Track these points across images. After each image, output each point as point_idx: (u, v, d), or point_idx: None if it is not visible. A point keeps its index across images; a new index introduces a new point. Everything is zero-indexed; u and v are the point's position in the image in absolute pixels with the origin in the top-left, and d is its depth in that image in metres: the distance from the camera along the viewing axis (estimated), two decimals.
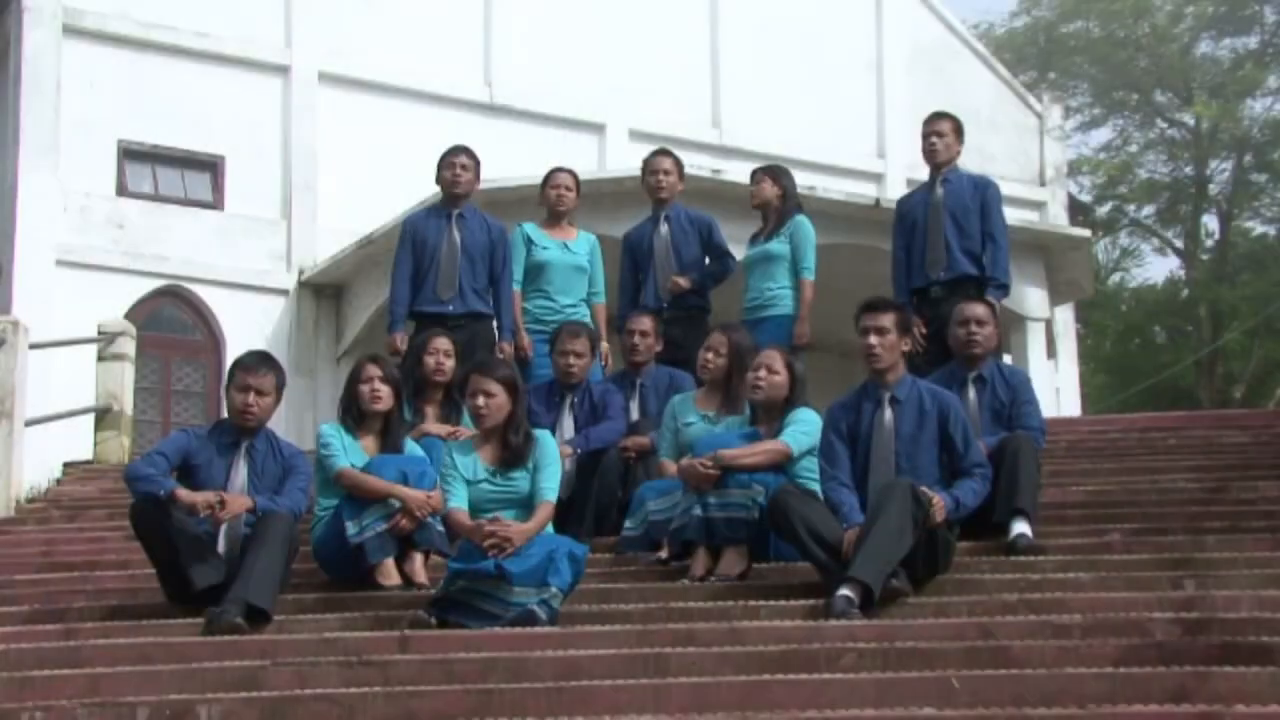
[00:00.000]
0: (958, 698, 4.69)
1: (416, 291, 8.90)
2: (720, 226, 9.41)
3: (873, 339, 6.49)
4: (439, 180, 9.12)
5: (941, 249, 8.69)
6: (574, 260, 9.12)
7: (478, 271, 8.92)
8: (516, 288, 9.09)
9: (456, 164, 9.04)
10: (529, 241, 9.15)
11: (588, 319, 8.95)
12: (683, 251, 9.19)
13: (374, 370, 7.00)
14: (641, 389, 8.14)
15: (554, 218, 9.26)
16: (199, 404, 16.38)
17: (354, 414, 6.99)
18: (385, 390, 6.96)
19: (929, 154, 8.91)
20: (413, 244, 8.97)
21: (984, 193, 8.80)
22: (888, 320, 6.50)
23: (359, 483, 6.63)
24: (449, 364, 7.87)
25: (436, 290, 8.84)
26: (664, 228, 9.22)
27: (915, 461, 6.39)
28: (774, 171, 9.29)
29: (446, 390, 7.94)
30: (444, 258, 8.85)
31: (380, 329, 13.05)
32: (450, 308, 8.81)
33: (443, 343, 7.92)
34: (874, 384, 6.55)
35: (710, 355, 7.48)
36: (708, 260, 9.25)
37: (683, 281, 9.03)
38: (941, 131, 8.87)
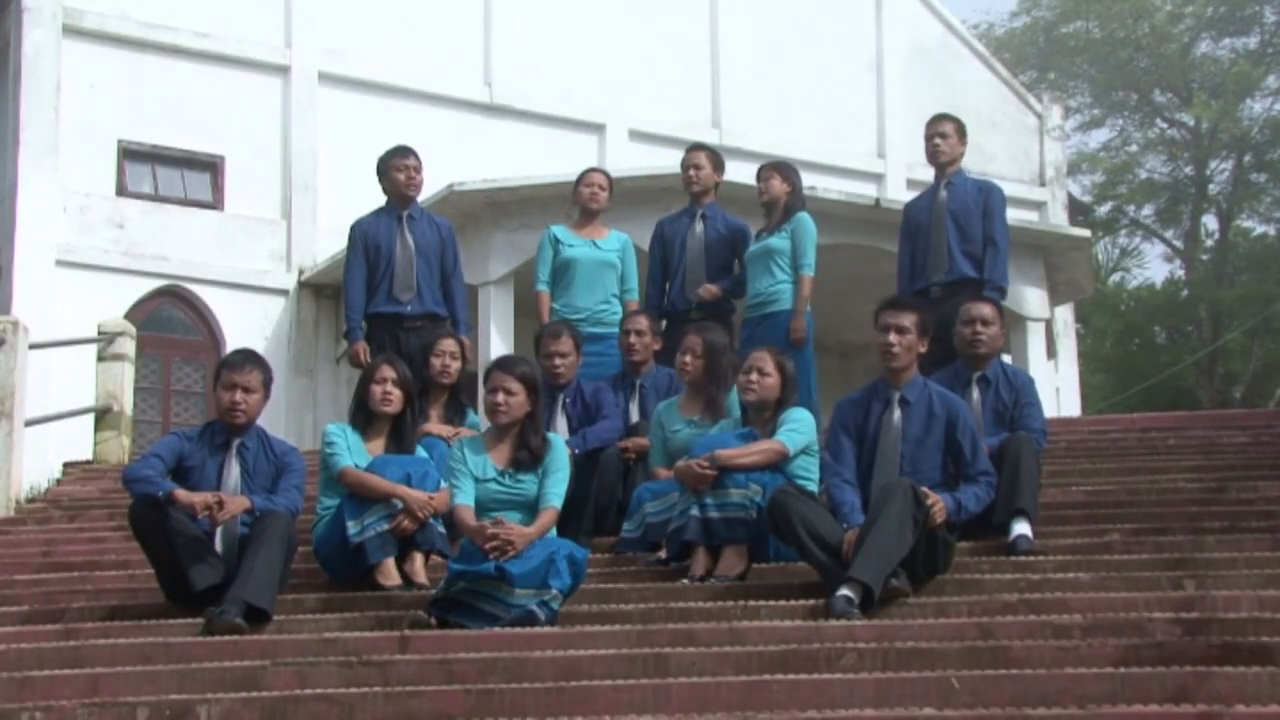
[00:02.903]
0: (958, 698, 4.69)
1: (371, 294, 8.83)
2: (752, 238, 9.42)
3: (893, 337, 6.49)
4: (389, 183, 8.95)
5: (943, 251, 8.73)
6: (601, 257, 9.09)
7: (433, 271, 8.89)
8: (545, 289, 9.09)
9: (410, 167, 8.91)
10: (556, 242, 9.14)
11: (618, 316, 8.96)
12: (715, 257, 9.17)
13: (388, 372, 6.99)
14: (641, 390, 8.13)
15: (586, 216, 9.25)
16: (199, 404, 16.37)
17: (363, 414, 6.98)
18: (397, 394, 6.95)
19: (932, 155, 8.95)
20: (364, 248, 8.88)
21: (987, 197, 8.85)
22: (909, 320, 6.51)
23: (362, 482, 6.62)
24: (455, 365, 7.87)
25: (393, 292, 8.78)
26: (699, 227, 9.21)
27: (919, 464, 6.40)
28: (782, 168, 9.28)
29: (451, 392, 7.93)
30: (399, 260, 8.80)
31: None
32: (408, 308, 8.77)
33: (449, 344, 7.92)
34: (884, 383, 6.56)
35: (687, 358, 7.48)
36: (735, 266, 9.25)
37: (716, 290, 9.03)
38: (945, 133, 8.91)
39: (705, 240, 9.17)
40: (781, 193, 9.13)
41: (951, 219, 8.76)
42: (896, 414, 6.46)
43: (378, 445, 6.93)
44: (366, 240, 8.91)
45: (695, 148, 9.51)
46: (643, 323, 8.21)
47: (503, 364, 6.56)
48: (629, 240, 9.32)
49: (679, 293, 9.12)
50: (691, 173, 9.29)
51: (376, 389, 6.95)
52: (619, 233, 9.35)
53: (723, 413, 7.28)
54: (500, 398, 6.38)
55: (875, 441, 6.44)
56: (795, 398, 6.92)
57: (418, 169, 8.96)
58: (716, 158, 9.44)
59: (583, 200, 9.24)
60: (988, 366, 7.40)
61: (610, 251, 9.13)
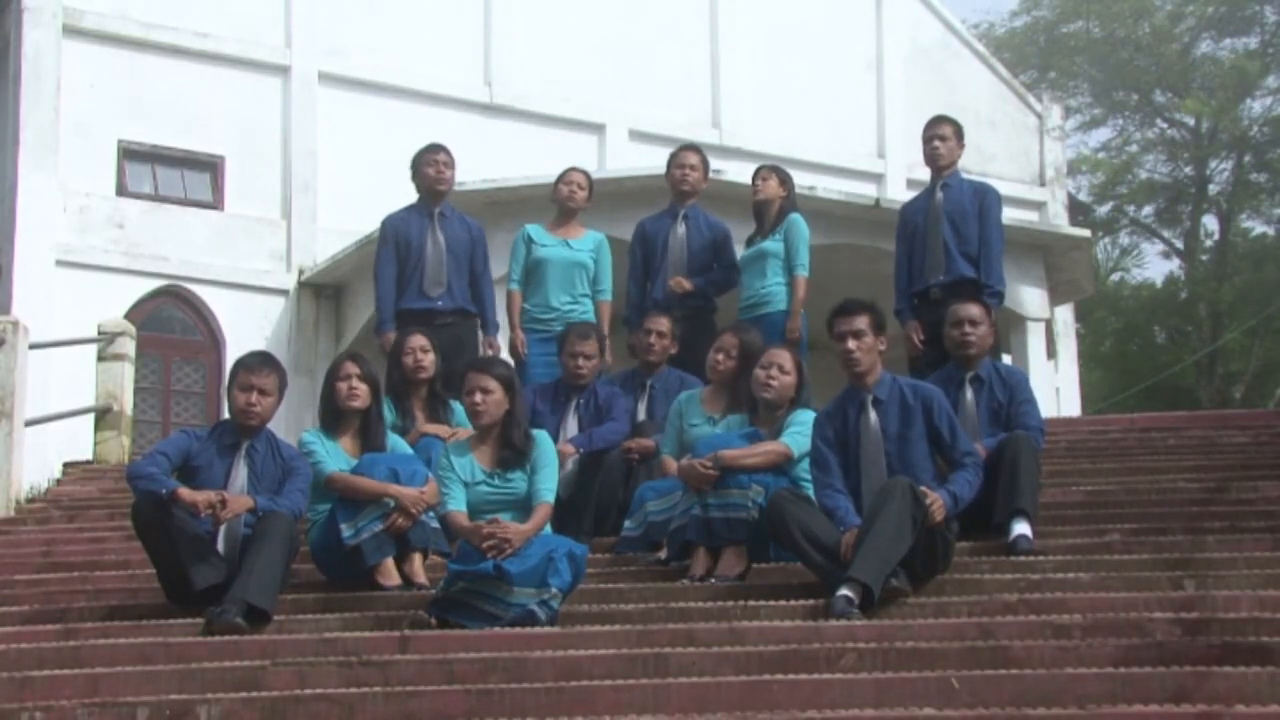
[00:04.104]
0: (958, 698, 4.69)
1: (401, 290, 8.86)
2: (732, 238, 9.41)
3: (850, 343, 6.43)
4: (420, 178, 9.02)
5: (940, 253, 8.70)
6: (573, 257, 9.08)
7: (462, 269, 8.91)
8: (516, 288, 9.08)
9: (439, 161, 8.99)
10: (529, 241, 9.13)
11: (588, 316, 8.95)
12: (696, 255, 9.18)
13: (352, 368, 6.98)
14: (651, 390, 8.11)
15: (563, 215, 9.25)
16: (199, 404, 16.38)
17: (331, 414, 6.97)
18: (363, 388, 6.95)
19: (930, 158, 8.93)
20: (395, 243, 8.93)
21: (983, 198, 8.82)
22: (862, 322, 6.45)
23: (351, 484, 6.62)
24: (427, 359, 7.83)
25: (423, 288, 8.81)
26: (681, 227, 9.21)
27: (906, 459, 6.37)
28: (779, 171, 9.31)
29: (430, 388, 7.90)
30: (430, 256, 8.83)
31: None
32: (439, 303, 8.79)
33: (418, 340, 7.88)
34: (855, 387, 6.52)
35: (720, 356, 7.46)
36: (715, 267, 9.25)
37: (686, 284, 9.03)
38: (944, 135, 8.90)
39: (688, 241, 9.18)
40: (777, 195, 9.15)
41: (948, 220, 8.73)
42: (873, 416, 6.43)
43: (349, 443, 6.93)
44: (398, 235, 8.95)
45: (689, 148, 9.51)
46: (664, 324, 8.18)
47: (478, 364, 6.62)
48: (604, 240, 9.30)
49: (661, 292, 9.10)
50: (687, 172, 9.29)
51: (342, 385, 6.95)
52: (595, 232, 9.34)
53: (744, 412, 7.25)
54: (478, 397, 6.39)
55: (858, 447, 6.41)
56: (806, 397, 6.92)
57: (448, 164, 9.02)
58: (706, 163, 9.46)
59: (561, 198, 9.24)
60: (980, 366, 7.39)
61: (582, 252, 9.11)
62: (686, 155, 9.37)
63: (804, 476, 6.66)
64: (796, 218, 9.12)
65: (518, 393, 6.53)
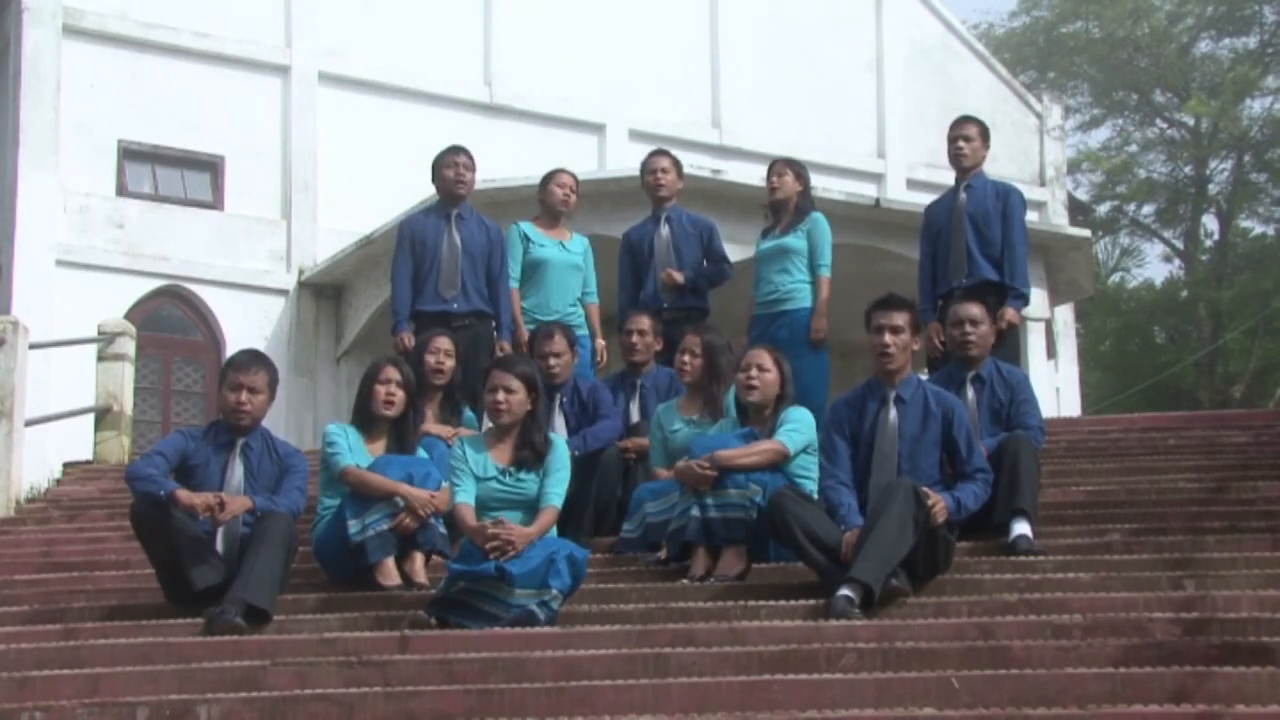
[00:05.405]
0: (958, 698, 4.69)
1: (417, 292, 8.88)
2: (720, 232, 9.42)
3: (888, 338, 6.45)
4: (440, 180, 9.06)
5: (963, 255, 8.62)
6: (570, 260, 9.12)
7: (479, 271, 8.91)
8: (514, 285, 9.09)
9: (459, 164, 9.02)
10: (526, 239, 9.14)
11: (581, 319, 8.96)
12: (683, 254, 9.18)
13: (393, 373, 6.97)
14: (642, 389, 8.13)
15: (553, 217, 9.25)
16: (199, 404, 16.38)
17: (364, 415, 6.96)
18: (400, 395, 6.94)
19: (955, 158, 8.86)
20: (411, 245, 8.93)
21: (1007, 199, 8.74)
22: (902, 319, 6.48)
23: (363, 481, 6.61)
24: (449, 364, 7.85)
25: (439, 290, 8.81)
26: (665, 229, 9.22)
27: (916, 462, 6.39)
28: (795, 165, 9.25)
29: (446, 391, 7.92)
30: (445, 257, 8.83)
31: (380, 329, 13.06)
32: (454, 305, 8.79)
33: (444, 342, 7.90)
34: (878, 382, 6.54)
35: (686, 358, 7.48)
36: (705, 263, 9.25)
37: (677, 276, 9.02)
38: (969, 136, 8.85)
39: (673, 240, 9.18)
40: (794, 191, 9.10)
41: (970, 222, 8.64)
42: (893, 413, 6.45)
43: (378, 446, 6.91)
44: (414, 237, 8.95)
45: (658, 153, 9.49)
46: (645, 323, 8.20)
47: (502, 363, 6.62)
48: (589, 243, 9.35)
49: (652, 295, 9.10)
50: (659, 176, 9.28)
51: (380, 389, 6.94)
52: (580, 235, 9.40)
53: (722, 412, 7.28)
54: (500, 396, 6.39)
55: (872, 441, 6.43)
56: (794, 395, 6.92)
57: (468, 167, 9.04)
58: (679, 165, 9.47)
59: (555, 200, 9.22)
60: (981, 366, 7.39)
61: (576, 254, 9.17)
62: (657, 160, 9.37)
63: (799, 473, 6.66)
64: (820, 217, 9.08)
65: (540, 394, 6.53)
